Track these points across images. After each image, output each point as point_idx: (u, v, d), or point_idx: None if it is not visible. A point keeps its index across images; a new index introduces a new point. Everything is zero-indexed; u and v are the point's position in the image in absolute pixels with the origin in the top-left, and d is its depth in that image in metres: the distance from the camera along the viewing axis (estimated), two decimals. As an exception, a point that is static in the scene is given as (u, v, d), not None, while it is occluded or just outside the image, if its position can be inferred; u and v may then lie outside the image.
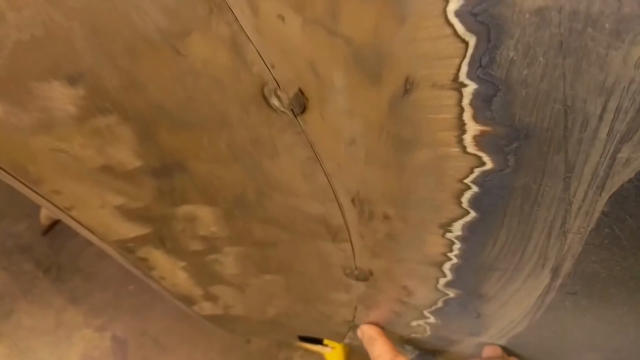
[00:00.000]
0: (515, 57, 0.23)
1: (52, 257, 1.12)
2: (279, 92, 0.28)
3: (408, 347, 0.53)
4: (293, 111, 0.29)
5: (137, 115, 0.30)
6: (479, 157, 0.27)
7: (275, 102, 0.29)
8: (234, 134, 0.31)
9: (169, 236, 0.38)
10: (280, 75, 0.27)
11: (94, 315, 1.05)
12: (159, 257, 0.40)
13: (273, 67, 0.27)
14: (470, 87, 0.24)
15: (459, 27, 0.22)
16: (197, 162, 0.33)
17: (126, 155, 0.32)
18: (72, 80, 0.29)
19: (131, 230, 0.37)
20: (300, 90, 0.28)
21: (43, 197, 0.34)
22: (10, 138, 0.31)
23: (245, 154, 0.32)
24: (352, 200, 0.33)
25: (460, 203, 0.30)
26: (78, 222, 0.35)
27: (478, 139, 0.26)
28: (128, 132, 0.31)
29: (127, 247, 0.38)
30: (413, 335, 0.50)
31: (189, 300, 0.49)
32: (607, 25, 0.20)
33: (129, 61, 0.28)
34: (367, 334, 0.49)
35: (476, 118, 0.25)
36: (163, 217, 0.36)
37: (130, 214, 0.36)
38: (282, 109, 0.29)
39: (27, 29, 0.27)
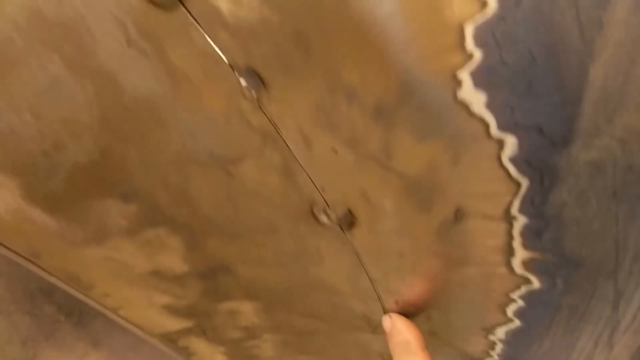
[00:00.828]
0: (567, 200, 0.23)
1: (73, 300, 1.13)
2: (328, 211, 0.29)
3: None
4: (341, 227, 0.29)
5: (186, 227, 0.31)
6: (527, 278, 0.27)
7: (324, 218, 0.29)
8: (281, 243, 0.32)
9: (211, 327, 0.39)
10: (330, 197, 0.28)
11: (115, 359, 1.05)
12: (199, 345, 0.41)
13: (324, 190, 0.28)
14: (521, 221, 0.25)
15: (513, 171, 0.23)
16: (243, 265, 0.34)
17: (174, 261, 0.33)
18: (125, 198, 0.30)
19: (175, 324, 0.38)
20: (349, 210, 0.29)
21: (92, 299, 0.34)
22: (65, 250, 0.32)
23: (291, 260, 0.33)
24: (396, 301, 0.34)
25: (505, 312, 0.30)
26: (125, 319, 0.36)
27: (527, 263, 0.27)
28: (177, 241, 0.32)
29: (169, 338, 0.39)
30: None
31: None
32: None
33: (181, 181, 0.29)
34: (403, 336, 0.33)
35: (526, 246, 0.26)
36: (206, 312, 0.37)
37: (175, 311, 0.36)
38: (330, 225, 0.29)
39: (86, 154, 0.28)
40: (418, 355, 0.32)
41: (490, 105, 0.21)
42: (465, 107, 0.21)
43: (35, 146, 0.27)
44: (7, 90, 0.25)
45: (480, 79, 0.20)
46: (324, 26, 0.21)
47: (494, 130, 0.22)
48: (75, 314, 1.16)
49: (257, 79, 0.23)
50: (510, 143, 0.22)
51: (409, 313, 0.34)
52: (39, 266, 0.33)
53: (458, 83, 0.21)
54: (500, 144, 0.22)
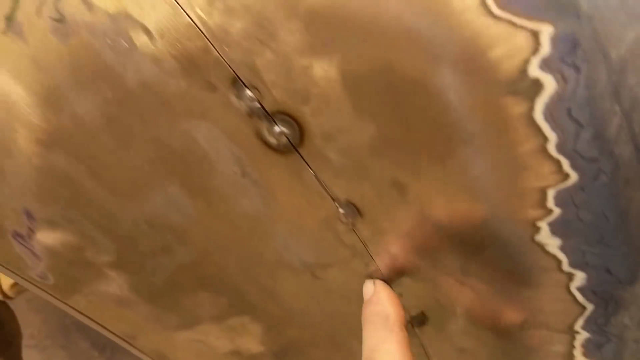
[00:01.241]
0: (629, 324, 0.26)
1: (106, 336, 1.16)
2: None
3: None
4: (412, 324, 0.33)
5: (268, 316, 0.35)
6: (585, 380, 0.30)
7: (396, 316, 0.32)
8: (354, 327, 0.35)
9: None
10: (406, 302, 0.31)
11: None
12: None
13: (401, 295, 0.31)
14: (583, 335, 0.28)
15: (580, 297, 0.26)
16: (315, 348, 0.37)
17: (253, 343, 0.36)
18: (218, 291, 0.33)
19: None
20: (422, 311, 0.32)
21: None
22: (158, 334, 0.35)
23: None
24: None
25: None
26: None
27: (586, 369, 0.30)
28: (258, 327, 0.35)
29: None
30: None
31: None
32: None
33: (271, 281, 0.32)
34: (383, 307, 0.28)
35: (586, 355, 0.29)
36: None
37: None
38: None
39: (189, 257, 0.31)
40: (395, 332, 0.27)
41: (563, 248, 0.24)
42: (541, 247, 0.24)
43: (147, 249, 0.31)
44: (129, 205, 0.29)
45: (557, 229, 0.23)
46: (421, 182, 0.24)
47: (565, 266, 0.25)
48: (108, 350, 1.20)
49: (355, 209, 0.27)
50: (580, 277, 0.25)
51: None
52: (132, 345, 0.36)
53: (536, 229, 0.24)
54: (570, 276, 0.25)
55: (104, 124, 0.26)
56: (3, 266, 0.31)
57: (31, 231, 0.29)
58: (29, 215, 0.29)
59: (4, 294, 0.63)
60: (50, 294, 0.33)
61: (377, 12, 0.20)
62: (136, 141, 0.27)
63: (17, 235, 0.30)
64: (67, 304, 0.35)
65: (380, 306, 0.28)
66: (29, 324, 1.07)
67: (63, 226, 0.29)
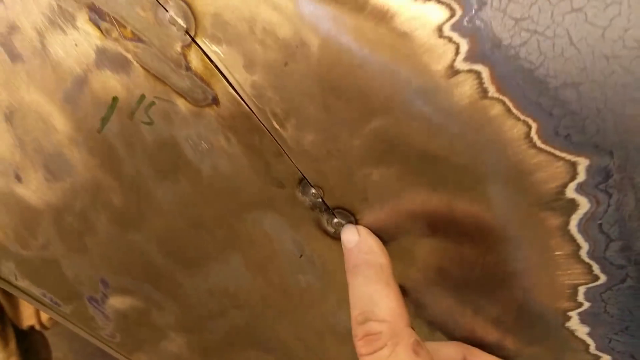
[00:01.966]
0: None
1: None
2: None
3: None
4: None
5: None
6: None
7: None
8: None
9: None
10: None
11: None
12: None
13: None
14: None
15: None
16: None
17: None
18: (267, 350, 0.36)
19: None
20: None
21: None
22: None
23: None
24: None
25: None
26: None
27: None
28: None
29: None
30: None
31: None
32: None
33: (317, 341, 0.35)
34: (376, 256, 0.26)
35: None
36: None
37: None
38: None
39: (244, 320, 0.34)
40: (391, 286, 0.25)
41: (591, 334, 0.27)
42: (571, 332, 0.27)
43: (205, 312, 0.34)
44: (194, 276, 0.33)
45: (586, 319, 0.26)
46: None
47: (592, 349, 0.28)
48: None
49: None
50: (606, 358, 0.28)
51: None
52: (184, 395, 0.39)
53: (567, 318, 0.27)
54: (597, 358, 0.28)
55: (179, 209, 0.29)
56: (76, 325, 0.34)
57: (105, 296, 0.32)
58: (104, 283, 0.32)
59: (42, 325, 0.67)
60: (116, 351, 0.36)
61: (432, 140, 0.23)
62: (206, 224, 0.30)
63: (92, 299, 0.33)
64: None
65: (372, 255, 0.25)
66: (58, 349, 1.10)
67: (133, 293, 0.32)
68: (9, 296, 0.64)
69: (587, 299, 0.25)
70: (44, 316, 0.66)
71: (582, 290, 0.25)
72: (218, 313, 0.34)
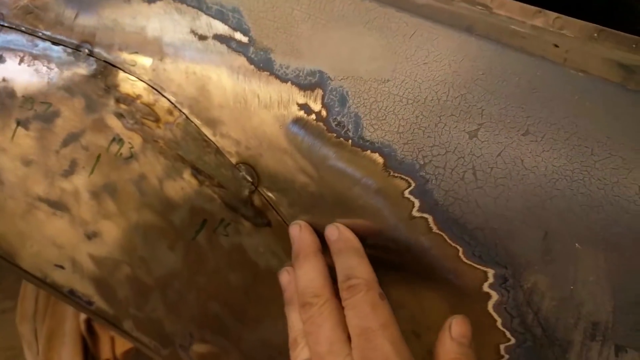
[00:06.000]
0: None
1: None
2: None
3: None
4: None
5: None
6: None
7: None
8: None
9: None
10: None
11: None
12: None
13: None
14: None
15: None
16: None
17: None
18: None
19: None
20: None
21: None
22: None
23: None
24: None
25: None
26: None
27: None
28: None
29: None
30: None
31: None
32: None
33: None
34: (353, 241, 0.39)
35: None
36: None
37: None
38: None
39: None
40: (364, 258, 0.37)
41: (513, 375, 0.41)
42: (500, 373, 0.42)
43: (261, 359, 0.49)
44: (254, 331, 0.48)
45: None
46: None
47: (516, 385, 0.42)
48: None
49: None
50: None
51: None
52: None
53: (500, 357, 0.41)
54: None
55: (244, 289, 0.45)
56: (168, 364, 0.50)
57: (190, 344, 0.48)
58: (191, 335, 0.48)
59: (116, 358, 0.83)
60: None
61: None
62: (262, 299, 0.45)
63: (181, 347, 0.49)
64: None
65: (351, 242, 0.38)
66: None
67: (211, 342, 0.48)
68: (91, 335, 0.80)
69: (506, 353, 0.40)
70: (119, 350, 0.82)
71: (502, 347, 0.40)
72: (266, 358, 0.49)
